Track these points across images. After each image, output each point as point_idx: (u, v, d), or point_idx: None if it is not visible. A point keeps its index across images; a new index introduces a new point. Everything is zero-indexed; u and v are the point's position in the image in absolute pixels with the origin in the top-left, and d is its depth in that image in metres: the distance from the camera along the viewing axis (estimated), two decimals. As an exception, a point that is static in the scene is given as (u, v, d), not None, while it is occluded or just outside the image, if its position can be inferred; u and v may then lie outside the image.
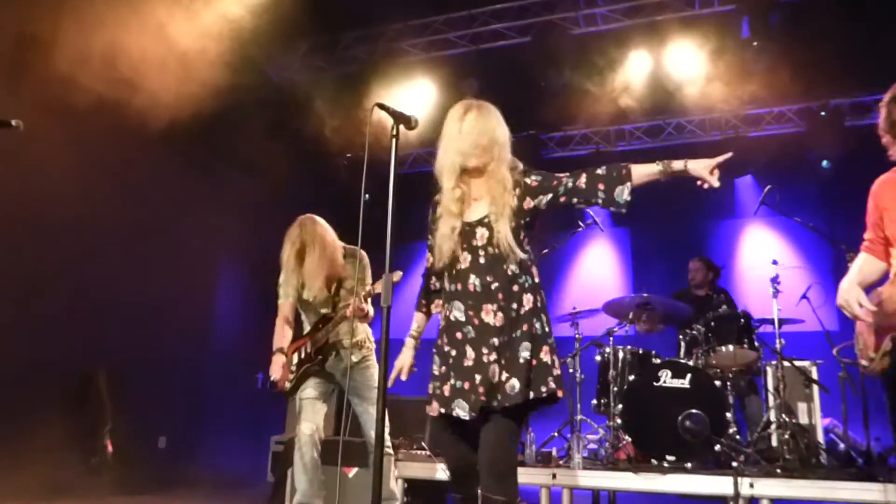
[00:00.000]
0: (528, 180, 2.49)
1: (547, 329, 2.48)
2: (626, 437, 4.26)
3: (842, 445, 4.75)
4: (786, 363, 4.55)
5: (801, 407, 4.80)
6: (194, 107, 5.05)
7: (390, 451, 3.73)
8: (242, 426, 6.81)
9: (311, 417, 3.58)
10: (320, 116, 6.58)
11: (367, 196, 2.70)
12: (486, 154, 2.46)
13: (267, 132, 6.52)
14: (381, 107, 2.41)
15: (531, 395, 2.34)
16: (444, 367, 2.48)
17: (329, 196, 6.98)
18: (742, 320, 4.53)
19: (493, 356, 2.34)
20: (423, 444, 4.59)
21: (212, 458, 6.51)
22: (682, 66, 6.52)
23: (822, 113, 6.79)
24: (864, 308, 2.51)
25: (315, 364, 3.63)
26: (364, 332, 3.78)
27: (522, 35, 6.66)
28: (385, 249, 2.37)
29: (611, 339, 4.75)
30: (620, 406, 4.32)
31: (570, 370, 4.85)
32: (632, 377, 4.36)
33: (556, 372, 2.42)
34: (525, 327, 2.40)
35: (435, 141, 2.61)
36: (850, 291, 2.58)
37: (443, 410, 2.40)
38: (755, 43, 6.14)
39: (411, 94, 6.89)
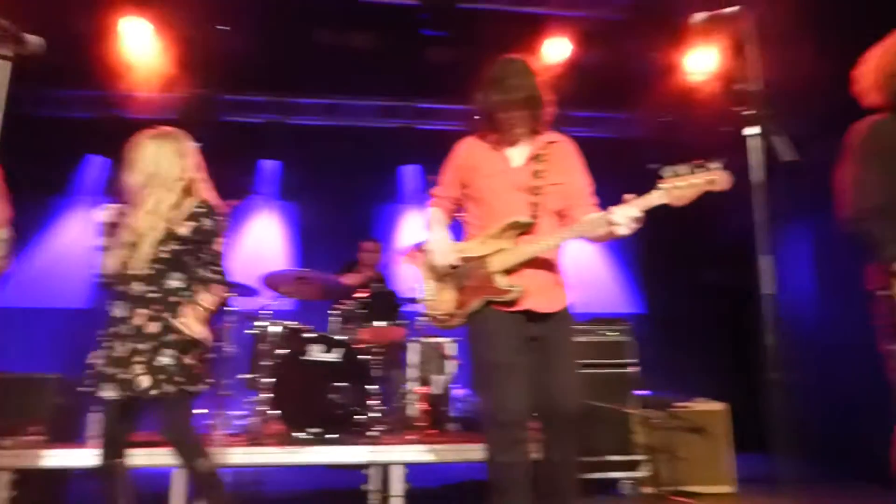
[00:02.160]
0: (196, 210, 2.89)
1: (199, 336, 2.88)
2: (273, 412, 4.22)
3: (470, 413, 5.30)
4: (425, 340, 4.94)
5: (438, 379, 5.25)
6: None
7: None
8: None
9: None
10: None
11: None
12: (149, 181, 2.88)
13: None
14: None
15: (188, 389, 2.81)
16: (103, 354, 2.82)
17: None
18: (392, 298, 4.79)
19: (146, 355, 2.75)
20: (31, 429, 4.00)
21: None
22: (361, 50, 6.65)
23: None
24: (451, 266, 2.78)
25: None
26: None
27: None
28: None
29: (265, 312, 4.65)
30: (270, 380, 4.26)
31: (221, 344, 4.64)
32: (283, 351, 4.32)
33: (205, 371, 2.92)
34: (176, 336, 2.81)
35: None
36: (445, 249, 2.83)
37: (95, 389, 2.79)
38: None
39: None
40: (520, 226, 2.70)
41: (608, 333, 4.65)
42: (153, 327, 2.79)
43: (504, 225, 2.71)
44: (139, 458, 3.50)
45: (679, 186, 2.36)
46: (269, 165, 7.51)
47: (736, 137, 2.49)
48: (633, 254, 7.83)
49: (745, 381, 6.88)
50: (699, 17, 2.38)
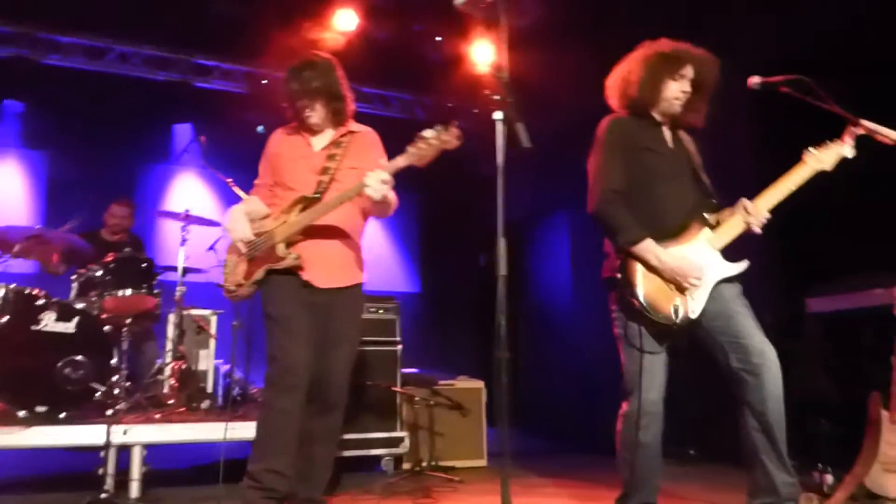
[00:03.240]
0: None
1: None
2: (-10, 388, 3.66)
3: (236, 389, 5.04)
4: (184, 311, 4.60)
5: (200, 353, 4.93)
6: None
7: None
8: None
9: None
10: None
11: None
12: None
13: None
14: None
15: None
16: None
17: None
18: (145, 265, 4.36)
19: None
20: None
21: None
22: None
23: (265, 81, 7.15)
24: (245, 241, 2.88)
25: None
26: None
27: None
28: None
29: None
30: (-12, 352, 3.68)
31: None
32: (6, 318, 3.75)
33: None
34: None
35: None
36: (240, 225, 2.91)
37: None
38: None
39: None
40: (305, 201, 2.82)
41: (378, 311, 4.65)
42: None
43: (292, 200, 2.84)
44: None
45: (421, 147, 2.52)
46: (13, 108, 6.54)
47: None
48: (412, 235, 7.98)
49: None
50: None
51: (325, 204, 2.77)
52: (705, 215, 2.77)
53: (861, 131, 2.64)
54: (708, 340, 2.70)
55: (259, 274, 2.82)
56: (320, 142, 3.00)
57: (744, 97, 4.58)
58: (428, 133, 2.50)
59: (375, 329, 4.59)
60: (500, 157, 2.27)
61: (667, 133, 2.91)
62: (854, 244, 4.31)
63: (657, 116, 2.88)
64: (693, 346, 2.76)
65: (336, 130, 3.01)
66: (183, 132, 7.10)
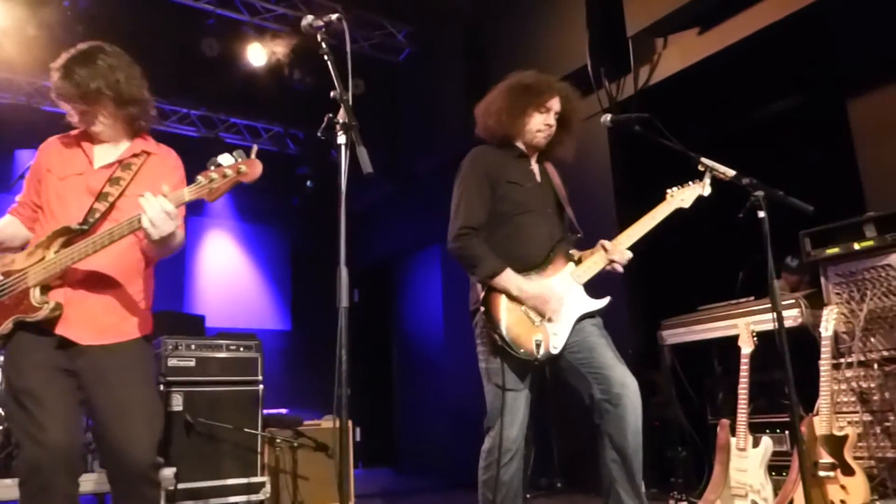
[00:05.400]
0: None
1: None
2: None
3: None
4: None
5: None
6: None
7: None
8: None
9: None
10: None
11: None
12: None
13: None
14: None
15: None
16: None
17: None
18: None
19: None
20: None
21: None
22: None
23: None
24: None
25: None
26: None
27: None
28: None
29: None
30: None
31: None
32: None
33: None
34: None
35: None
36: None
37: None
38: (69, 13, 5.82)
39: None
40: (69, 233, 2.25)
41: (238, 349, 4.41)
42: None
43: (52, 233, 2.24)
44: None
45: (213, 178, 2.08)
46: None
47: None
48: (283, 271, 7.72)
49: (377, 398, 7.17)
50: (306, 21, 2.31)
51: (91, 241, 2.17)
52: (570, 250, 2.79)
53: (702, 168, 2.76)
54: (572, 373, 2.69)
55: (6, 327, 2.21)
56: (105, 156, 2.39)
57: (606, 133, 4.83)
58: (224, 160, 2.08)
59: (235, 368, 4.35)
60: (343, 182, 2.14)
61: (533, 165, 2.91)
62: (704, 276, 4.54)
63: (521, 147, 2.88)
64: (558, 379, 2.75)
65: (129, 146, 2.42)
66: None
